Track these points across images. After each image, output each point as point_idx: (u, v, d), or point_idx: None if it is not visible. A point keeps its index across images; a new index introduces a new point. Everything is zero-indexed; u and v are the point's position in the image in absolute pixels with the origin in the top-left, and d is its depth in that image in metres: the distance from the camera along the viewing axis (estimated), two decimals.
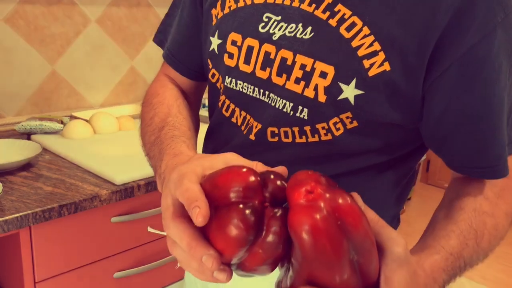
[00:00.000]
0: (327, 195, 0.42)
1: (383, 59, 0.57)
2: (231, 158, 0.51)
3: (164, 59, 0.86)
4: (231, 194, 0.44)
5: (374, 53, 0.57)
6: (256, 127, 0.68)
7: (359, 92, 0.59)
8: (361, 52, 0.58)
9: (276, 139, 0.67)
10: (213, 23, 0.73)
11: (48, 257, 1.07)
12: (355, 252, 0.42)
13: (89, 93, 1.76)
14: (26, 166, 1.24)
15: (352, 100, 0.59)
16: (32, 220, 0.99)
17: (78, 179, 1.17)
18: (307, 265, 0.42)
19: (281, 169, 0.49)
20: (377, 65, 0.58)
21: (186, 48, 0.81)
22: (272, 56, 0.64)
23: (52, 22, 1.60)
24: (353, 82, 0.59)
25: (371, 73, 0.58)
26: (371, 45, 0.58)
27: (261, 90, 0.66)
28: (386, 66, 0.57)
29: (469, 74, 0.57)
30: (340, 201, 0.42)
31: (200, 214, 0.43)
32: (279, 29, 0.64)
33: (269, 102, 0.66)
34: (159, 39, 0.87)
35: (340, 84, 0.59)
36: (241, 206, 0.44)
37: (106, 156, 1.30)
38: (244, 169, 0.46)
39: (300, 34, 0.62)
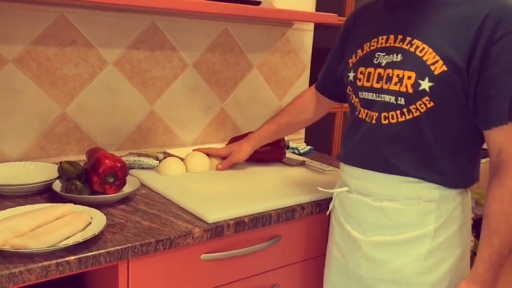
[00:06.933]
0: None
1: (442, 64, 1.04)
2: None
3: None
4: None
5: (436, 62, 1.04)
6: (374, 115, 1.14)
7: (430, 84, 1.04)
8: (428, 62, 1.05)
9: (387, 121, 1.11)
10: (350, 66, 1.24)
11: None
12: None
13: (182, 131, 1.86)
14: (125, 199, 1.32)
15: (427, 89, 1.05)
16: (131, 253, 1.06)
17: (172, 215, 1.23)
18: None
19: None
20: (439, 68, 1.04)
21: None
22: (382, 74, 1.13)
23: (154, 65, 1.73)
24: (427, 79, 1.04)
25: (436, 72, 1.04)
26: (434, 58, 1.04)
27: (376, 94, 1.13)
28: (444, 68, 1.04)
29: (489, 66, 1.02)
30: None
31: None
32: (384, 59, 1.13)
33: (380, 99, 1.12)
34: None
35: (419, 81, 1.05)
36: None
37: (198, 194, 1.36)
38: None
39: (395, 59, 1.10)
